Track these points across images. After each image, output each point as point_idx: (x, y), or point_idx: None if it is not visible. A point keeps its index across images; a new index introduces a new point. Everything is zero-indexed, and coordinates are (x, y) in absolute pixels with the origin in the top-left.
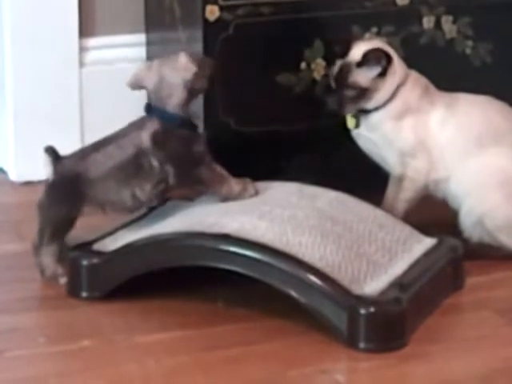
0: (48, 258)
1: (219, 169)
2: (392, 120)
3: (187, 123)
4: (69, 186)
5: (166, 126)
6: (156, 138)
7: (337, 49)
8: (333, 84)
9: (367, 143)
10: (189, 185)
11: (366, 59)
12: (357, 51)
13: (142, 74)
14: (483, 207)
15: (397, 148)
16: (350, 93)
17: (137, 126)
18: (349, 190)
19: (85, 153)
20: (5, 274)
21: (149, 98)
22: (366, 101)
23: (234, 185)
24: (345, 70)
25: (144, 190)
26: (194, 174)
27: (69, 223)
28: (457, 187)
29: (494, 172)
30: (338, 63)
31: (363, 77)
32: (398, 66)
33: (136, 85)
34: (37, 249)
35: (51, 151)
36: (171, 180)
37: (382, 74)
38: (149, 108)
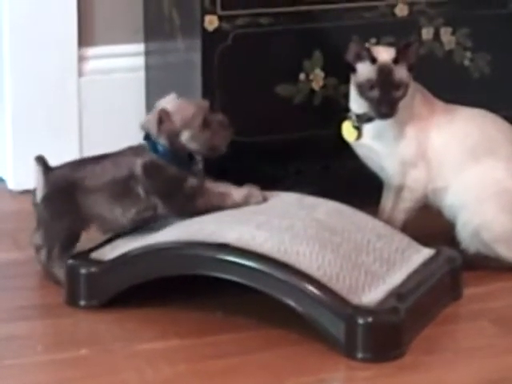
0: (61, 270)
1: (217, 188)
2: (396, 127)
3: (178, 160)
4: (64, 197)
5: (156, 159)
6: (146, 169)
7: (349, 57)
8: (377, 90)
9: (368, 152)
10: (186, 216)
11: (400, 54)
12: (384, 52)
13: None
14: (479, 219)
15: (399, 156)
16: (398, 93)
17: (134, 151)
18: (347, 199)
19: (81, 163)
20: (2, 282)
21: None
22: (404, 98)
23: (236, 194)
24: (387, 71)
25: (129, 213)
26: (190, 207)
27: (74, 237)
28: (453, 198)
29: (489, 184)
30: (372, 67)
31: (403, 73)
32: None
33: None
34: (47, 264)
35: (41, 161)
36: (160, 210)
37: (411, 69)
38: (146, 137)
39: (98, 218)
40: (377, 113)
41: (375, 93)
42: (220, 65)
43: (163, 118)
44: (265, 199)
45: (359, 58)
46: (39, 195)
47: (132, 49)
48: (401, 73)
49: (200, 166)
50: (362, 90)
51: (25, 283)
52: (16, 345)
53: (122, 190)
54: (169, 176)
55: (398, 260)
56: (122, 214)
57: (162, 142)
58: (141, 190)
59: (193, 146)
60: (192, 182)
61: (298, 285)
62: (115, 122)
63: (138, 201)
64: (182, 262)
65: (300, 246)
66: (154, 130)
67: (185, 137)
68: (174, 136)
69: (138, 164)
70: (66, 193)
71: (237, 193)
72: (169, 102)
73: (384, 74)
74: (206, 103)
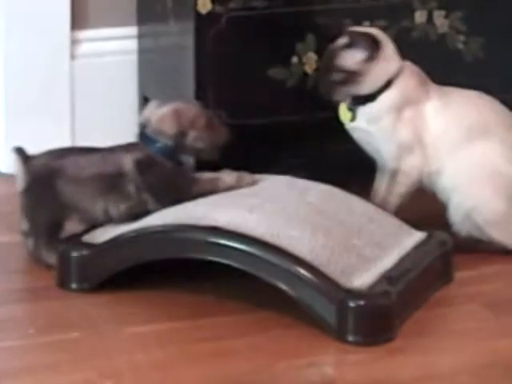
0: (51, 257)
1: (206, 176)
2: (392, 112)
3: (175, 157)
4: (45, 185)
5: (153, 155)
6: (139, 166)
7: (325, 40)
8: (321, 69)
9: (363, 136)
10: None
11: (353, 41)
12: (346, 35)
13: (148, 111)
14: (472, 201)
15: (396, 141)
16: (337, 76)
17: (125, 148)
18: (341, 182)
19: (64, 152)
20: None
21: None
22: (355, 85)
23: (227, 178)
24: (332, 54)
25: (118, 209)
26: (182, 199)
27: (57, 225)
28: (446, 181)
29: (483, 166)
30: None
31: (350, 59)
32: (391, 54)
33: (143, 120)
34: (35, 251)
35: (20, 151)
36: (151, 206)
37: (371, 58)
38: (141, 136)
39: (79, 210)
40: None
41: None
42: (213, 48)
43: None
44: (255, 182)
45: None
46: (21, 185)
47: (125, 32)
48: (345, 58)
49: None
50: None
51: (16, 266)
52: (7, 327)
53: (108, 186)
54: (165, 172)
55: (389, 243)
56: (107, 210)
57: (164, 140)
58: (131, 187)
59: (198, 144)
60: (184, 177)
61: (290, 268)
62: (108, 105)
63: (128, 198)
64: (173, 246)
65: (292, 230)
66: (171, 131)
67: (191, 136)
68: (180, 136)
69: (128, 161)
70: (46, 181)
71: (228, 176)
72: (157, 107)
73: (327, 56)
74: (200, 104)
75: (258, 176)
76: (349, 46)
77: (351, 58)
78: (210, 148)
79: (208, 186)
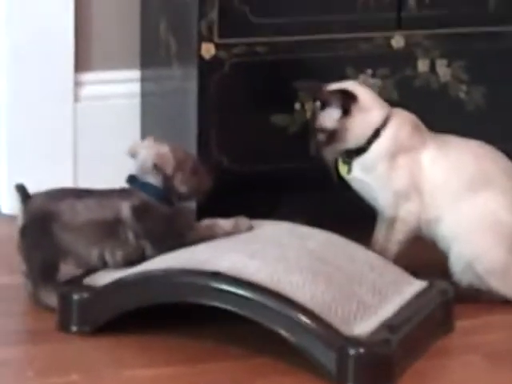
0: (49, 298)
1: (203, 222)
2: (386, 160)
3: (168, 198)
4: (40, 228)
5: (148, 200)
6: (136, 212)
7: (307, 96)
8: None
9: (361, 186)
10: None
11: (327, 100)
12: (319, 96)
13: (135, 146)
14: (473, 251)
15: (391, 189)
16: (321, 136)
17: (120, 194)
18: (341, 230)
19: (61, 194)
20: None
21: (136, 169)
22: (341, 142)
23: (224, 225)
24: (313, 115)
25: (114, 256)
26: (179, 244)
27: (53, 267)
28: (446, 230)
29: (484, 216)
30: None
31: (328, 119)
32: (371, 104)
33: (130, 154)
34: (34, 292)
35: (21, 189)
36: (149, 252)
37: (346, 114)
38: (132, 179)
39: (73, 255)
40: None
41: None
42: (216, 93)
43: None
44: (252, 227)
45: None
46: (18, 224)
47: (128, 75)
48: (323, 118)
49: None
50: None
51: (17, 308)
52: (6, 369)
53: (104, 233)
54: (161, 216)
55: (390, 291)
56: (103, 257)
57: (154, 181)
58: (130, 234)
59: (182, 188)
60: (181, 221)
61: (291, 314)
62: (110, 148)
63: (126, 245)
64: (174, 290)
65: (293, 276)
66: (169, 170)
67: (177, 179)
68: (168, 177)
69: (125, 208)
70: (42, 224)
71: (225, 222)
72: (156, 143)
73: (311, 118)
74: (185, 149)
75: (258, 221)
76: (323, 106)
77: (328, 118)
78: (193, 193)
79: (205, 231)
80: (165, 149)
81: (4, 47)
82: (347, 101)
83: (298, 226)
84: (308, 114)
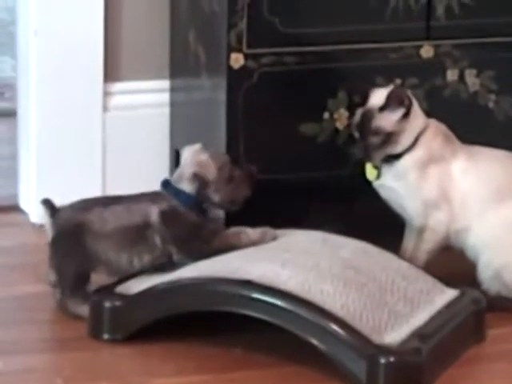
0: (78, 307)
1: (230, 230)
2: (417, 169)
3: (198, 207)
4: (71, 239)
5: (177, 206)
6: (164, 217)
7: (355, 98)
8: (356, 133)
9: (390, 193)
10: (202, 259)
11: (389, 101)
12: (377, 97)
13: (182, 150)
14: (501, 260)
15: (421, 198)
16: (375, 139)
17: (150, 198)
18: (371, 239)
19: (89, 205)
20: (24, 314)
21: (174, 174)
22: (393, 146)
23: (251, 234)
24: (367, 117)
25: (141, 260)
26: (207, 252)
27: (84, 278)
28: (475, 239)
29: (511, 225)
30: (359, 111)
31: (387, 121)
32: (418, 111)
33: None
34: (61, 302)
35: (48, 204)
36: (176, 257)
37: (406, 115)
38: (165, 184)
39: (104, 262)
40: (353, 155)
41: (356, 136)
42: (245, 103)
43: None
44: (277, 237)
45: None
46: (48, 237)
47: (157, 85)
48: (382, 120)
49: (218, 212)
50: (353, 131)
51: (44, 316)
52: (36, 377)
53: (134, 237)
54: (189, 223)
55: (421, 301)
56: (132, 261)
57: (188, 189)
58: (157, 239)
59: (216, 198)
60: (209, 226)
61: (321, 323)
62: (139, 158)
63: (153, 249)
64: (205, 298)
65: (324, 285)
66: (211, 176)
67: (212, 188)
68: (204, 185)
69: (154, 212)
70: (72, 235)
71: (252, 232)
72: (198, 151)
73: (363, 120)
74: (227, 157)
75: (290, 231)
76: (383, 107)
77: (388, 119)
78: (226, 202)
79: (231, 239)
80: (204, 156)
81: (33, 59)
82: (410, 102)
83: (330, 234)
84: (356, 118)
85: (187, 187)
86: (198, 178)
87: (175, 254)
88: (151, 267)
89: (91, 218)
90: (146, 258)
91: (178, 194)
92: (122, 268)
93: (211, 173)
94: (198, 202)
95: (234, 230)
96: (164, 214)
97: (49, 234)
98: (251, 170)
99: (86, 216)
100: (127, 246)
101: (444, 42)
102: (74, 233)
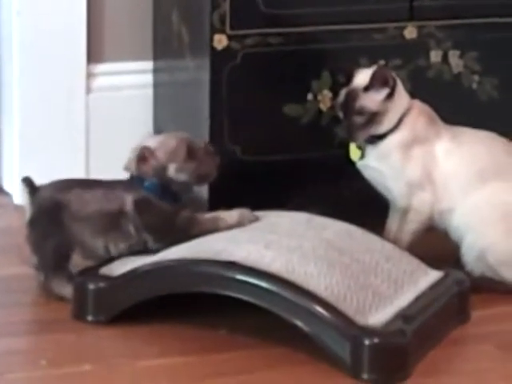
0: (62, 288)
1: (206, 215)
2: (401, 149)
3: (168, 195)
4: (49, 218)
5: (149, 195)
6: (137, 206)
7: (340, 78)
8: (340, 113)
9: (373, 174)
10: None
11: (373, 81)
12: (361, 77)
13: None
14: (485, 242)
15: (405, 178)
16: (359, 119)
17: (125, 186)
18: (355, 220)
19: (68, 185)
20: (8, 296)
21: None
22: (377, 125)
23: (229, 218)
24: (352, 97)
25: (117, 248)
26: (183, 239)
27: (64, 258)
28: (459, 220)
29: (495, 206)
30: (343, 91)
31: (371, 100)
32: (402, 91)
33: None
34: (46, 284)
35: (28, 182)
36: (151, 245)
37: (390, 95)
38: (131, 176)
39: (80, 244)
40: (337, 134)
41: (340, 116)
42: (228, 84)
43: (146, 155)
44: (257, 219)
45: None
46: (27, 217)
47: (141, 66)
48: (366, 100)
49: (192, 194)
50: (337, 111)
51: (28, 298)
52: (19, 359)
53: (109, 224)
54: (162, 211)
55: (405, 282)
56: (107, 248)
57: (150, 178)
58: (131, 227)
59: (181, 177)
60: (184, 213)
61: (305, 304)
62: (122, 139)
63: (128, 237)
64: (189, 280)
65: (308, 266)
66: (133, 170)
67: (171, 170)
68: (161, 171)
69: (128, 200)
70: (51, 214)
71: (229, 215)
72: (149, 140)
73: (347, 99)
74: (186, 134)
75: (274, 212)
76: (368, 87)
77: (372, 99)
78: (195, 179)
79: (208, 225)
80: (149, 142)
81: (16, 39)
82: (394, 82)
83: (314, 216)
84: (340, 97)
85: (149, 177)
86: (138, 160)
87: (151, 242)
88: (128, 254)
89: (71, 198)
90: (122, 246)
91: (142, 183)
92: (99, 253)
93: (133, 164)
94: (164, 187)
95: (210, 215)
96: (137, 203)
97: (27, 212)
98: (209, 147)
99: (66, 196)
100: (103, 232)
101: (427, 23)
102: (52, 212)
